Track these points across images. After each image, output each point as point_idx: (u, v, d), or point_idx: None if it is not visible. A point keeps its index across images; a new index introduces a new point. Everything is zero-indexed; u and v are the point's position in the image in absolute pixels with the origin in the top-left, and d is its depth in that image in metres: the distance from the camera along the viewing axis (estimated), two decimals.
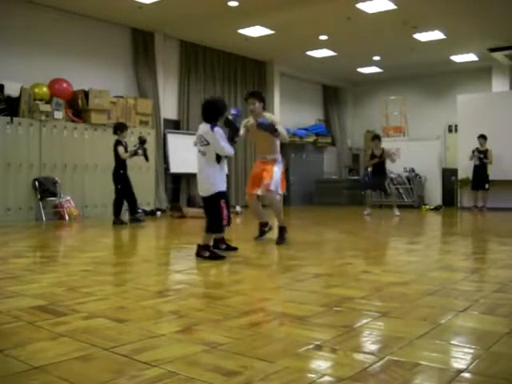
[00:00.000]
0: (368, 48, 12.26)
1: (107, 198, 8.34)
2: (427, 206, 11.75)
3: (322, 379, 1.63)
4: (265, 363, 1.77)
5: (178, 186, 11.49)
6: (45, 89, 8.53)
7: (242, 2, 9.10)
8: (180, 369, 1.71)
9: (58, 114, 8.67)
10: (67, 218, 8.48)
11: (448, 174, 12.44)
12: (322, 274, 3.64)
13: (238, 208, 10.44)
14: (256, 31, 10.88)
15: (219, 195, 4.23)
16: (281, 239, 5.23)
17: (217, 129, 4.16)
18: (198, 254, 4.24)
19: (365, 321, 2.34)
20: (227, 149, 4.20)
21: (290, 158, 13.57)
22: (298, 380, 1.63)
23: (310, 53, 12.63)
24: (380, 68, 14.33)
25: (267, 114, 5.25)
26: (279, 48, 12.26)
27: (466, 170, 11.37)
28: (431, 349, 1.91)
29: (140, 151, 7.80)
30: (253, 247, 5.15)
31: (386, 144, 10.27)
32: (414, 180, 12.37)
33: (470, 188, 11.26)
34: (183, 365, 1.76)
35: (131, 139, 8.62)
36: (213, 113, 4.24)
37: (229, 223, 4.35)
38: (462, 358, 1.83)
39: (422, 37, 11.21)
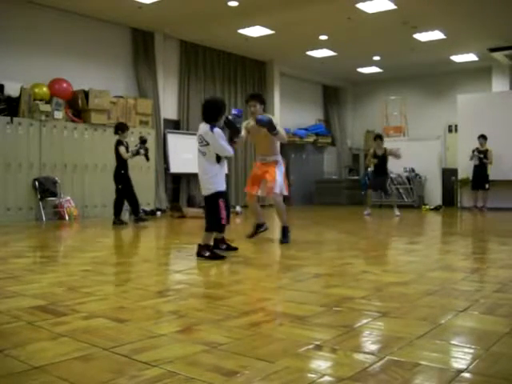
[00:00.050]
0: (368, 48, 12.26)
1: (107, 198, 8.35)
2: (427, 206, 11.75)
3: (321, 379, 1.63)
4: (265, 363, 1.77)
5: (178, 186, 11.49)
6: (45, 89, 8.54)
7: (242, 2, 9.10)
8: (180, 369, 1.71)
9: (58, 114, 8.67)
10: (67, 217, 8.48)
11: (448, 174, 12.45)
12: (322, 274, 3.64)
13: (237, 208, 10.45)
14: (256, 31, 10.88)
15: (218, 195, 4.24)
16: (285, 238, 5.28)
17: (216, 130, 4.16)
18: (199, 254, 4.24)
19: (365, 321, 2.34)
20: (227, 149, 4.21)
21: (290, 158, 13.57)
22: (297, 380, 1.63)
23: (309, 53, 12.63)
24: (380, 68, 14.33)
25: (267, 115, 5.28)
26: (279, 48, 12.27)
27: (466, 169, 11.38)
28: (431, 349, 1.91)
29: (142, 151, 7.78)
30: (253, 247, 5.15)
31: (386, 144, 10.27)
32: (414, 180, 12.37)
33: (470, 188, 11.27)
34: (183, 365, 1.75)
35: (131, 139, 8.62)
36: (213, 113, 4.24)
37: (228, 222, 4.36)
38: (462, 357, 1.83)
39: (422, 37, 11.21)
